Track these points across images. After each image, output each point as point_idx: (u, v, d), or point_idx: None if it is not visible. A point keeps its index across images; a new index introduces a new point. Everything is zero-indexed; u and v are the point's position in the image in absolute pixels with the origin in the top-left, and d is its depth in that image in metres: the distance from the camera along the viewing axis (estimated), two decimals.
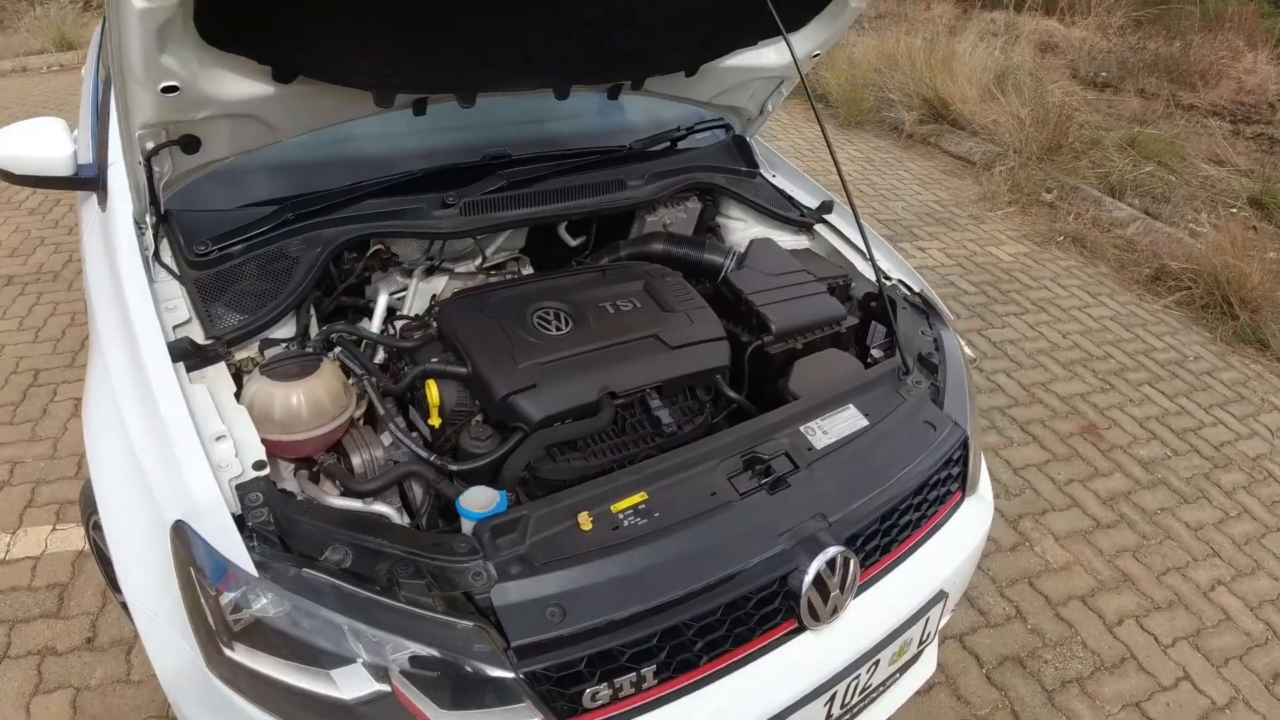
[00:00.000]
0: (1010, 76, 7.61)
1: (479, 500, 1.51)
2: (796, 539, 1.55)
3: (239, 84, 1.74)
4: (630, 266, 2.17)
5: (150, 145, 1.77)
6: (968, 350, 4.34)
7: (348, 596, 1.29)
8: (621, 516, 1.50)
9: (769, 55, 2.43)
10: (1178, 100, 9.03)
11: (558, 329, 1.86)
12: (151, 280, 1.86)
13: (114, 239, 1.97)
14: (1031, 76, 7.64)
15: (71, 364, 3.74)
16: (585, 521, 1.47)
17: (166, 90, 1.63)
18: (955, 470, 1.93)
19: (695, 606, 1.43)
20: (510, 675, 1.28)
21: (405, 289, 2.19)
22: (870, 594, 1.70)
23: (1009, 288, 5.19)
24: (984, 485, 2.07)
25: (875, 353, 2.22)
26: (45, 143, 2.20)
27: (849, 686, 1.64)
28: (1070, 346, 4.63)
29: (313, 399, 1.65)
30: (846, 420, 1.83)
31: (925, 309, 2.30)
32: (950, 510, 1.92)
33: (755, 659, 1.52)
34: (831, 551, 1.54)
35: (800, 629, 1.56)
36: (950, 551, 1.87)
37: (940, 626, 1.99)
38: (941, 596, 1.81)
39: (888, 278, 2.40)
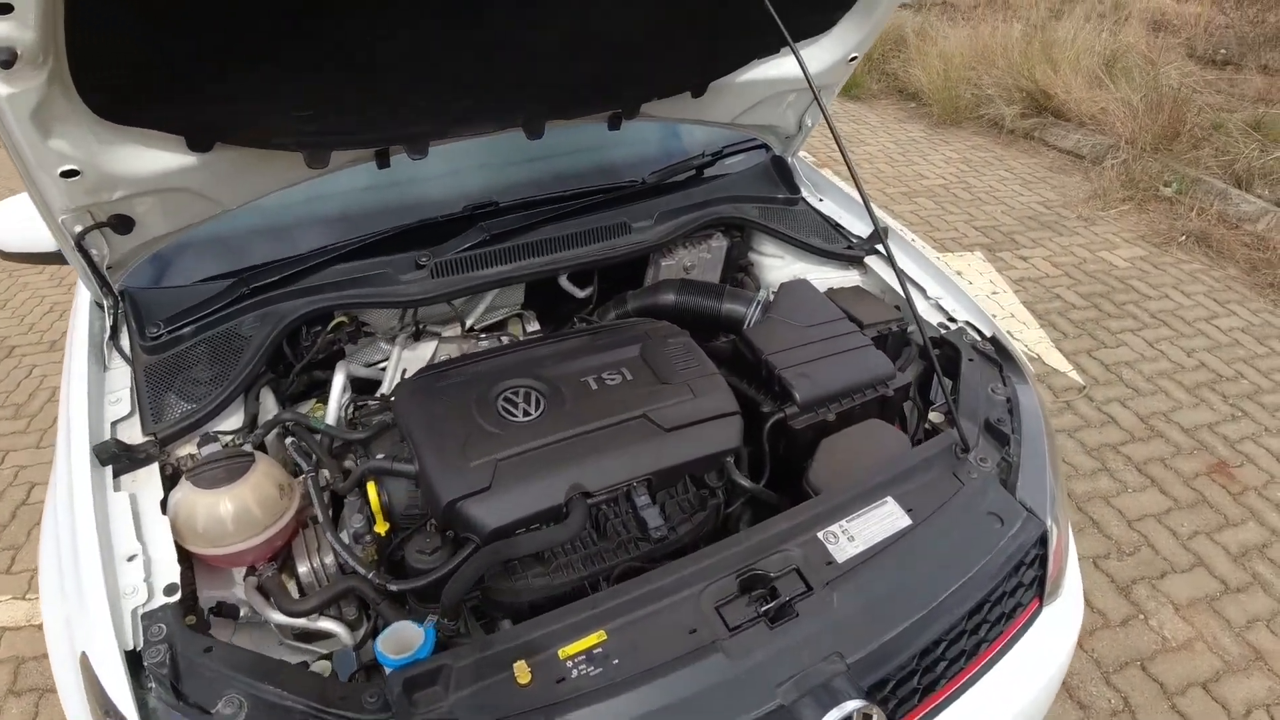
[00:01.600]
0: (1119, 61, 6.93)
1: (399, 642, 1.24)
2: (802, 689, 1.21)
3: (152, 158, 1.54)
4: (629, 327, 1.85)
5: (78, 229, 1.61)
6: (1076, 377, 3.90)
7: None
8: (570, 665, 1.21)
9: (795, 63, 2.07)
10: None
11: (526, 413, 1.56)
12: (105, 367, 1.76)
13: (74, 323, 1.90)
14: (1144, 59, 6.95)
15: None
16: (523, 673, 1.19)
17: (67, 175, 1.46)
18: (1030, 575, 1.54)
19: None
20: None
21: (388, 357, 1.94)
22: None
23: (1124, 299, 4.63)
24: (1071, 584, 1.67)
25: (934, 417, 1.84)
26: (32, 219, 2.07)
27: None
28: (1196, 366, 4.07)
29: (239, 509, 1.45)
30: (882, 520, 1.47)
31: (998, 359, 1.90)
32: (1022, 627, 1.53)
33: None
34: (849, 707, 1.19)
35: None
36: (1020, 683, 1.49)
37: None
38: None
39: (952, 320, 2.02)
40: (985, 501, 1.56)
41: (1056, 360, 4.05)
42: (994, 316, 4.19)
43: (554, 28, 1.57)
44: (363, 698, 1.18)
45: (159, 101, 1.45)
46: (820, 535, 1.42)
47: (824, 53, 2.01)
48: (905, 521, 1.48)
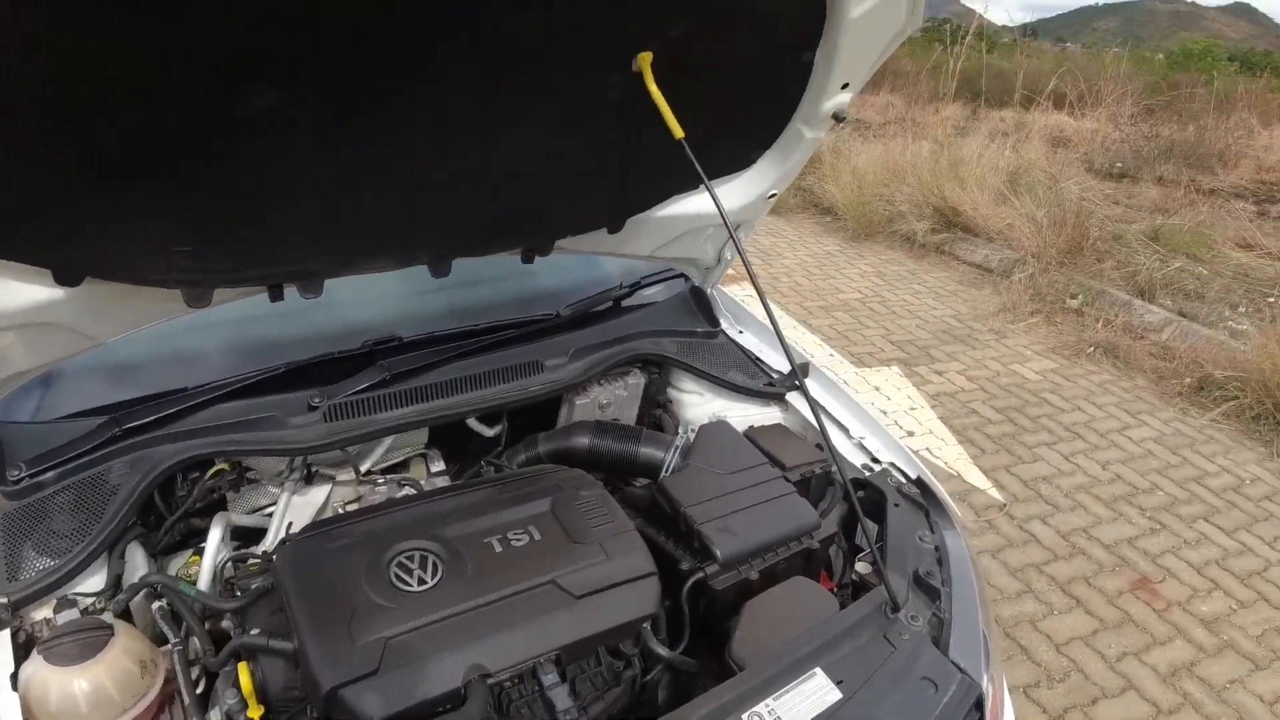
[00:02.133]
0: (1023, 177, 7.30)
1: None
2: None
3: (14, 291, 1.38)
4: (539, 476, 1.73)
5: None
6: (996, 495, 3.90)
7: None
8: None
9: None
10: (1198, 185, 8.73)
11: (421, 581, 1.41)
12: None
13: None
14: (1045, 174, 7.33)
15: None
16: None
17: None
18: None
19: None
20: None
21: (274, 502, 1.78)
22: None
23: (1038, 412, 4.71)
24: None
25: (860, 568, 1.76)
26: None
27: None
28: (1112, 479, 4.15)
29: (95, 689, 1.29)
30: (811, 695, 1.36)
31: (924, 503, 1.84)
32: None
33: None
34: None
35: None
36: None
37: None
38: None
39: (876, 460, 1.96)
40: (918, 666, 1.46)
41: (975, 477, 4.06)
42: (912, 434, 4.23)
43: (458, 166, 1.49)
44: None
45: (23, 234, 1.30)
46: (745, 717, 1.30)
47: (742, 190, 1.98)
48: (835, 695, 1.36)
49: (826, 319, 5.90)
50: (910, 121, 10.49)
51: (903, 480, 1.90)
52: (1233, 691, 2.89)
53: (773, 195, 2.03)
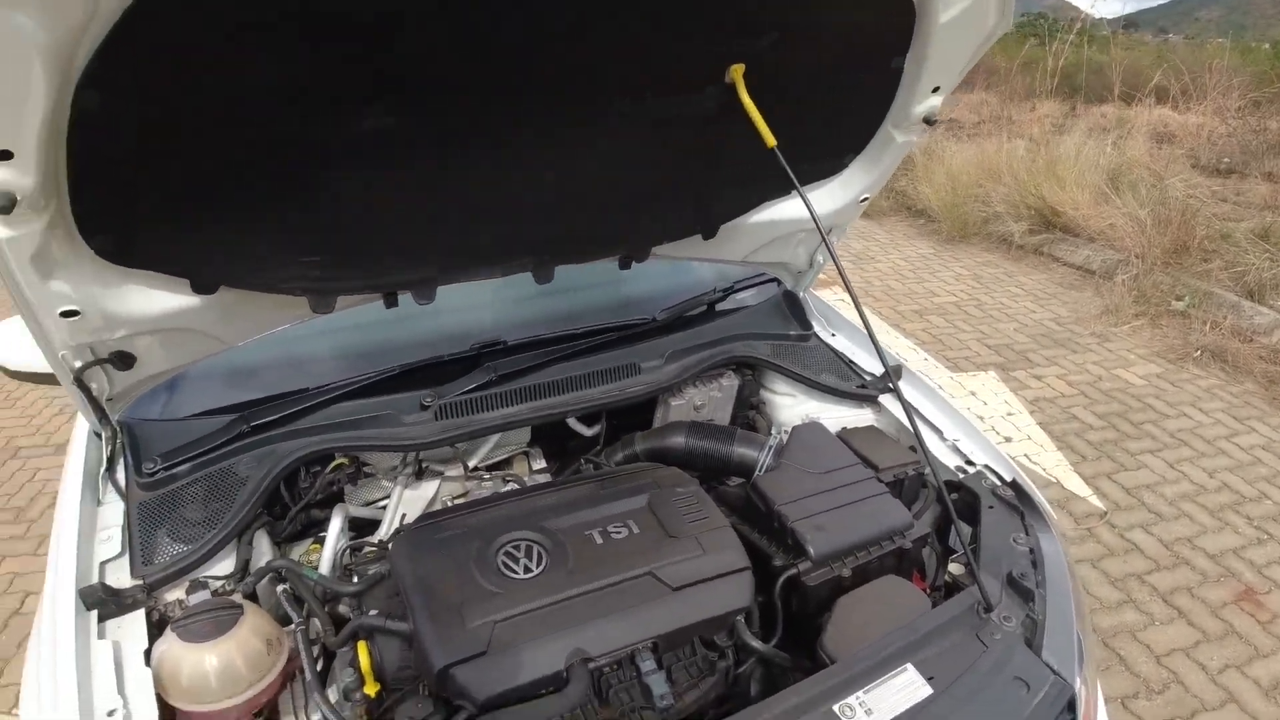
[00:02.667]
0: (1125, 174, 7.04)
1: None
2: None
3: (155, 299, 1.53)
4: (637, 473, 1.80)
5: (77, 364, 1.59)
6: (1097, 503, 3.80)
7: None
8: None
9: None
10: None
11: (527, 569, 1.50)
12: (99, 501, 1.72)
13: (70, 453, 1.86)
14: (1149, 171, 7.06)
15: None
16: None
17: (67, 314, 1.45)
18: None
19: None
20: None
21: (389, 496, 1.89)
22: None
23: (1142, 418, 4.56)
24: None
25: (954, 569, 1.76)
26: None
27: None
28: (1218, 488, 3.99)
29: (225, 664, 1.38)
30: (902, 690, 1.38)
31: (1019, 506, 1.83)
32: None
33: None
34: None
35: None
36: None
37: None
38: None
39: (970, 463, 1.96)
40: (1010, 666, 1.46)
41: (1076, 485, 3.97)
42: (1009, 440, 4.15)
43: (559, 179, 1.58)
44: None
45: (164, 247, 1.44)
46: (836, 709, 1.33)
47: (835, 194, 2.01)
48: (926, 691, 1.38)
49: (920, 323, 5.82)
50: (1006, 120, 10.24)
51: (997, 483, 1.89)
52: None
53: (865, 199, 2.05)
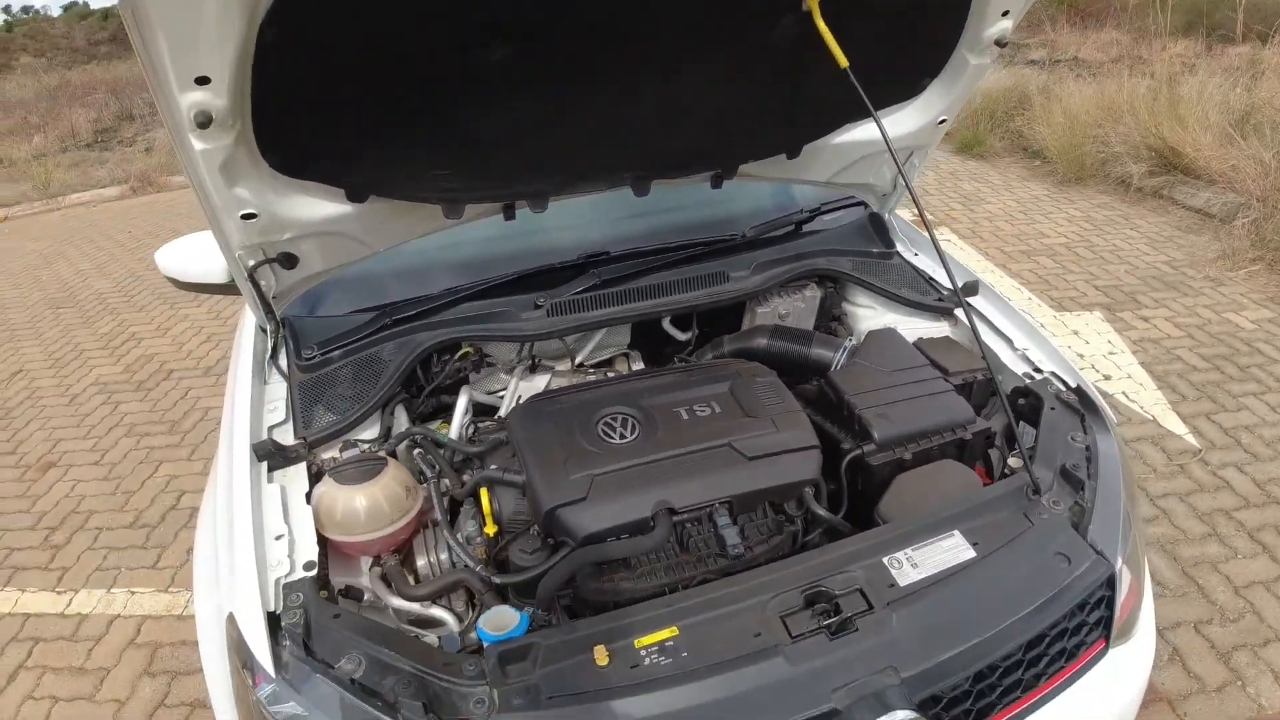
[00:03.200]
0: (1253, 116, 6.69)
1: (498, 622, 1.44)
2: (855, 696, 1.31)
3: (317, 206, 1.81)
4: (721, 366, 2.02)
5: (251, 263, 1.89)
6: (1192, 440, 3.81)
7: (349, 708, 1.31)
8: (644, 653, 1.36)
9: (888, 127, 2.21)
10: None
11: (622, 436, 1.74)
12: (265, 382, 2.05)
13: (240, 343, 2.21)
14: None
15: None
16: (601, 656, 1.35)
17: (246, 217, 1.74)
18: (1096, 615, 1.59)
19: None
20: None
21: (506, 387, 2.17)
22: None
23: (1249, 362, 4.46)
24: (1145, 629, 1.72)
25: (1013, 463, 1.92)
26: (207, 254, 2.42)
27: None
28: None
29: (372, 503, 1.67)
30: (947, 550, 1.57)
31: (1080, 409, 1.96)
32: (1087, 663, 1.58)
33: None
34: (900, 716, 1.29)
35: None
36: (1084, 717, 1.54)
37: None
38: None
39: (1037, 370, 2.09)
40: (1054, 542, 1.62)
41: (1173, 423, 3.95)
42: (1108, 378, 4.16)
43: (655, 103, 1.78)
44: (463, 665, 1.36)
45: (326, 161, 1.72)
46: (885, 560, 1.53)
47: (914, 116, 2.15)
48: (970, 554, 1.56)
49: (1028, 264, 5.77)
50: (1137, 59, 9.76)
51: (1062, 388, 2.02)
52: None
53: (943, 121, 2.18)
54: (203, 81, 1.37)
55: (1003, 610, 1.48)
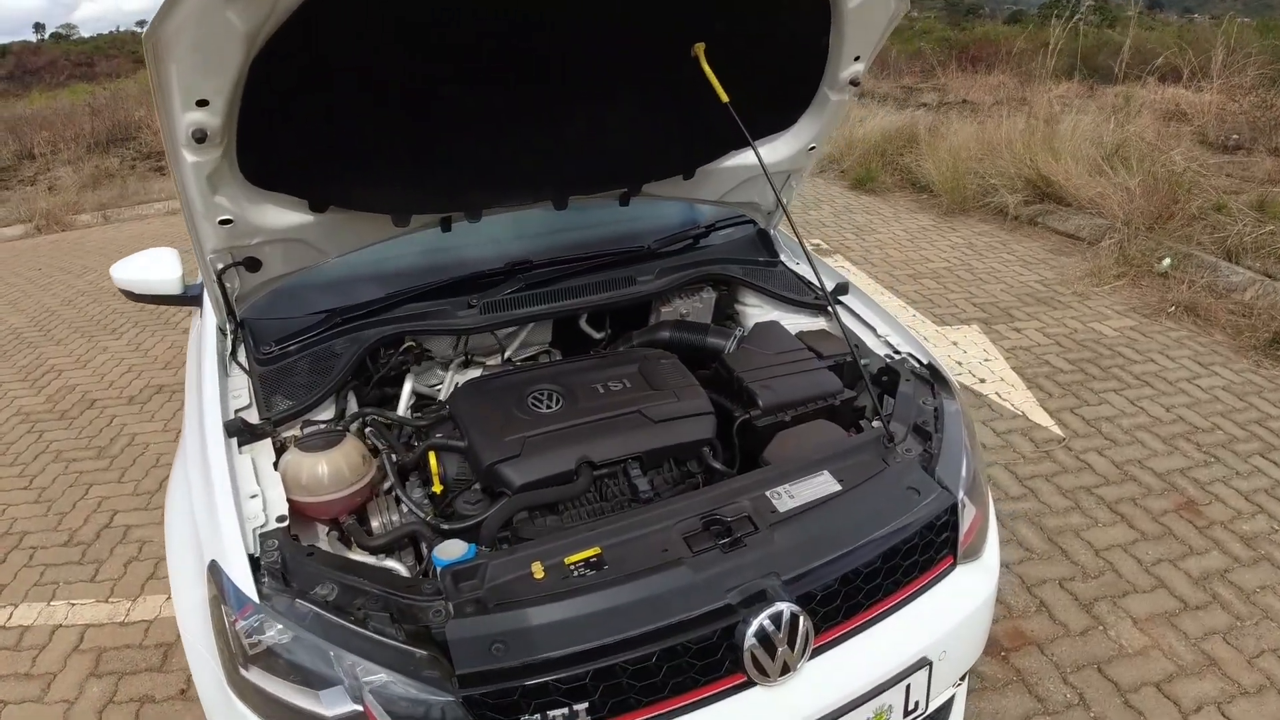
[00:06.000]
0: (1124, 149, 7.43)
1: (450, 550, 1.71)
2: (745, 594, 1.63)
3: (282, 214, 2.11)
4: (631, 352, 2.38)
5: (219, 266, 2.15)
6: (1057, 430, 4.29)
7: (327, 624, 1.51)
8: (572, 568, 1.65)
9: (765, 154, 2.62)
10: None
11: (548, 407, 2.07)
12: (226, 375, 2.28)
13: (202, 343, 2.43)
14: (1150, 146, 7.45)
15: None
16: (538, 570, 1.63)
17: (223, 222, 2.01)
18: (943, 536, 1.95)
19: (629, 651, 1.54)
20: (451, 699, 1.45)
21: (442, 381, 2.48)
22: (833, 655, 1.74)
23: (1110, 363, 5.00)
24: (990, 553, 2.08)
25: (875, 424, 2.29)
26: (159, 268, 2.68)
27: None
28: (1173, 420, 4.37)
29: (334, 467, 1.92)
30: (817, 485, 1.90)
31: (930, 380, 2.36)
32: (939, 575, 1.94)
33: (699, 708, 1.61)
34: (779, 607, 1.60)
35: (749, 684, 1.64)
36: (935, 618, 1.88)
37: (944, 697, 1.99)
38: (925, 664, 1.83)
39: (896, 352, 2.48)
40: (907, 479, 1.95)
41: (1040, 417, 4.40)
42: (982, 381, 4.61)
43: (574, 130, 2.15)
44: (422, 585, 1.63)
45: (293, 174, 2.02)
46: (768, 493, 1.87)
47: (788, 144, 2.57)
48: (836, 487, 1.89)
49: (914, 285, 6.29)
50: (1020, 101, 10.57)
51: (917, 365, 2.42)
52: (1262, 596, 3.12)
53: (813, 148, 2.61)
54: (202, 104, 1.65)
55: (863, 529, 1.81)
